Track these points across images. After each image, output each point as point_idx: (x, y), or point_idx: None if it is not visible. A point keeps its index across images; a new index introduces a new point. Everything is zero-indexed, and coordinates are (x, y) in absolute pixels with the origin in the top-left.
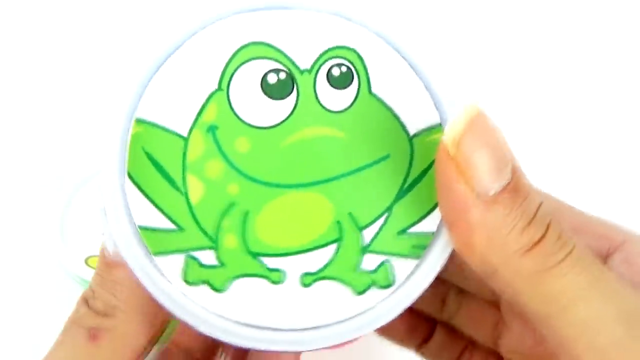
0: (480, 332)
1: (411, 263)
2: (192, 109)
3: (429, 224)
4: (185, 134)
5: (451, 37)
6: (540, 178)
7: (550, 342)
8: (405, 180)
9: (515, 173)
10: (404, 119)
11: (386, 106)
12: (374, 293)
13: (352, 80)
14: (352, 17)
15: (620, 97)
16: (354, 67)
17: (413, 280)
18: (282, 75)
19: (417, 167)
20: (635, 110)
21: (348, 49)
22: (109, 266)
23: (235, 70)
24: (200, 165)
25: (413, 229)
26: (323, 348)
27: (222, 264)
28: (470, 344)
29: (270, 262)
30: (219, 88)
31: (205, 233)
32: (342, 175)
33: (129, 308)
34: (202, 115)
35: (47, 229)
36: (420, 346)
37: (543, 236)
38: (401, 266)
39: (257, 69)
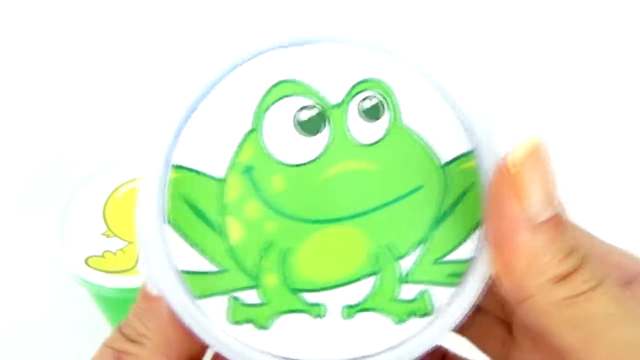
0: (489, 349)
1: (449, 291)
2: (228, 151)
3: (465, 251)
4: (222, 177)
5: (479, 64)
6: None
7: None
8: (439, 209)
9: (560, 206)
10: (435, 148)
11: (418, 136)
12: (414, 322)
13: (383, 112)
14: (380, 48)
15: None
16: (385, 98)
17: (452, 308)
18: (314, 112)
19: (450, 195)
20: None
21: (377, 81)
22: (146, 298)
23: (267, 109)
24: (238, 206)
25: (449, 257)
26: None
27: (264, 302)
28: None
29: (310, 297)
30: (253, 128)
31: (246, 273)
32: (377, 208)
33: (156, 339)
34: (238, 157)
35: (47, 229)
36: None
37: (579, 268)
38: (439, 294)
39: (288, 106)
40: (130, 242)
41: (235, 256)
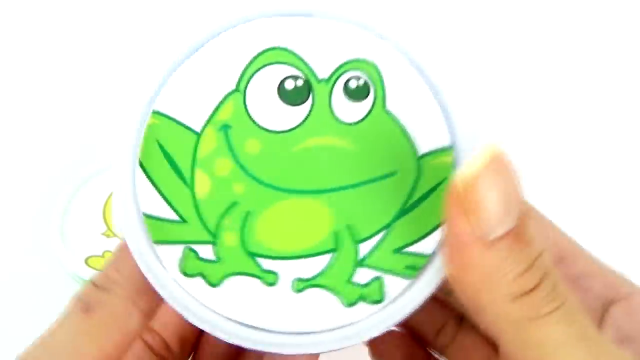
0: None
1: (403, 282)
2: (208, 106)
3: (426, 245)
4: (198, 130)
5: (472, 60)
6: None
7: None
8: (408, 199)
9: (520, 220)
10: (414, 137)
11: (398, 123)
12: (362, 307)
13: (368, 94)
14: (375, 30)
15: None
16: (372, 81)
17: (402, 300)
18: (300, 83)
19: (421, 187)
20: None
21: (368, 62)
22: (122, 247)
23: (254, 73)
24: (209, 161)
25: (410, 249)
26: (306, 354)
27: (218, 260)
28: None
29: (265, 263)
30: (236, 89)
31: (206, 227)
32: (346, 187)
33: (127, 286)
34: (217, 114)
35: (47, 229)
36: None
37: (536, 286)
38: (393, 284)
39: (275, 73)
40: None
41: (198, 209)
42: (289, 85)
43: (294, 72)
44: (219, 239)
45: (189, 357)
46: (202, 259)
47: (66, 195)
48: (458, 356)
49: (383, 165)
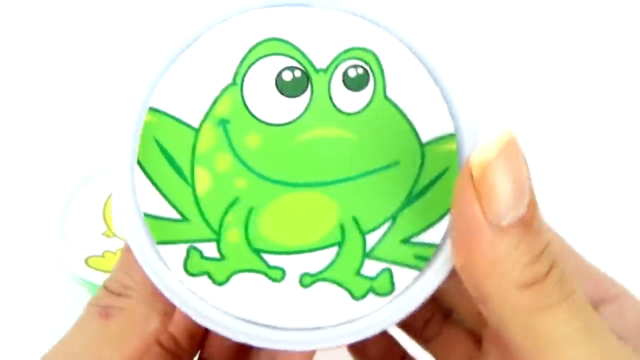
0: None
1: (412, 273)
2: (205, 101)
3: (434, 235)
4: (196, 126)
5: (473, 45)
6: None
7: None
8: (413, 188)
9: (531, 208)
10: (417, 125)
11: (400, 111)
12: (372, 299)
13: (367, 83)
14: (372, 18)
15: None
16: (371, 69)
17: (412, 291)
18: (298, 74)
19: (426, 175)
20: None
21: (366, 50)
22: (129, 249)
23: (251, 65)
24: (209, 157)
25: (417, 239)
26: (316, 350)
27: (223, 257)
28: None
29: (271, 259)
30: (234, 82)
31: (209, 225)
32: (350, 178)
33: (142, 290)
34: (215, 109)
35: (47, 229)
36: None
37: (545, 276)
38: (402, 275)
39: (272, 65)
40: None
41: (199, 207)
42: (287, 76)
43: (292, 63)
44: (222, 237)
45: (197, 350)
46: (206, 258)
47: (66, 195)
48: (441, 349)
49: (386, 154)
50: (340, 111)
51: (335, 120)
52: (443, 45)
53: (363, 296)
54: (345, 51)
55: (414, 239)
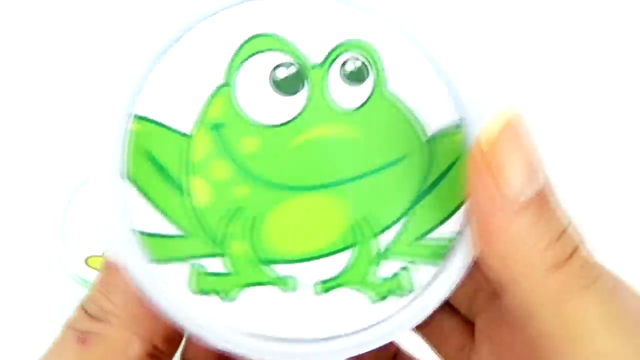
0: (444, 351)
1: (430, 270)
2: (196, 105)
3: (449, 228)
4: (188, 133)
5: (472, 32)
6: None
7: None
8: (422, 183)
9: (544, 187)
10: (421, 118)
11: (403, 104)
12: (391, 301)
13: (366, 76)
14: (366, 8)
15: None
16: (369, 61)
17: (433, 288)
18: (292, 70)
19: (435, 168)
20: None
21: (363, 42)
22: (109, 269)
23: (241, 63)
24: (205, 166)
25: (432, 234)
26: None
27: (230, 272)
28: None
29: (281, 269)
30: (225, 83)
31: (211, 239)
32: (357, 178)
33: (123, 315)
34: (207, 112)
35: (47, 229)
36: None
37: (570, 256)
38: (420, 273)
39: (265, 62)
40: None
41: (199, 220)
42: (281, 73)
43: (285, 59)
44: (227, 250)
45: (175, 352)
46: (212, 274)
47: (66, 195)
48: (435, 338)
49: (392, 150)
50: (339, 108)
51: (335, 117)
52: (443, 33)
53: (382, 299)
54: (341, 44)
55: (430, 234)
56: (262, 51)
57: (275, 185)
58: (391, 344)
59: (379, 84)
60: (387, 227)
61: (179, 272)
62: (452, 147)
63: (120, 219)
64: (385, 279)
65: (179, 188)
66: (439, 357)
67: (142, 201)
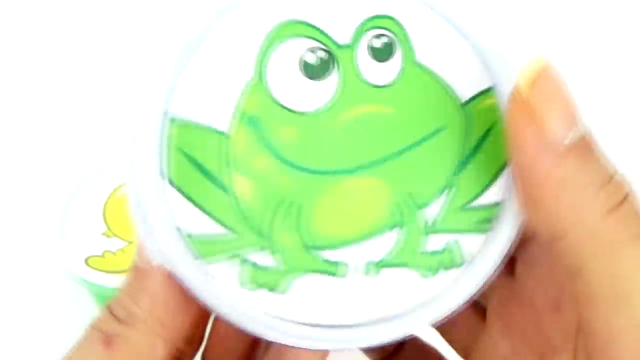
0: (453, 336)
1: (479, 238)
2: (230, 100)
3: (494, 194)
4: (225, 129)
5: None
6: None
7: (597, 328)
8: (462, 152)
9: (587, 134)
10: (454, 86)
11: (434, 75)
12: (443, 275)
13: (395, 51)
14: None
15: None
16: (396, 36)
17: (484, 257)
18: (321, 54)
19: (473, 135)
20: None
21: (386, 17)
22: (139, 274)
23: (270, 53)
24: (245, 161)
25: (477, 202)
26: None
27: (280, 264)
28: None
29: (330, 255)
30: (256, 75)
31: (257, 233)
32: (396, 154)
33: (149, 319)
34: (241, 107)
35: (47, 229)
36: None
37: (623, 201)
38: (469, 243)
39: (293, 49)
40: (130, 242)
41: (244, 215)
42: (310, 58)
43: (313, 43)
44: (274, 242)
45: (197, 352)
46: (262, 268)
47: (66, 195)
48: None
49: (428, 122)
50: (372, 85)
51: (369, 95)
52: None
53: (434, 273)
54: (366, 21)
55: (475, 202)
56: (288, 38)
57: (317, 171)
58: None
59: (408, 57)
60: (432, 200)
61: (229, 269)
62: (487, 113)
63: (165, 221)
64: (435, 253)
65: (221, 186)
66: (444, 339)
67: (185, 203)
